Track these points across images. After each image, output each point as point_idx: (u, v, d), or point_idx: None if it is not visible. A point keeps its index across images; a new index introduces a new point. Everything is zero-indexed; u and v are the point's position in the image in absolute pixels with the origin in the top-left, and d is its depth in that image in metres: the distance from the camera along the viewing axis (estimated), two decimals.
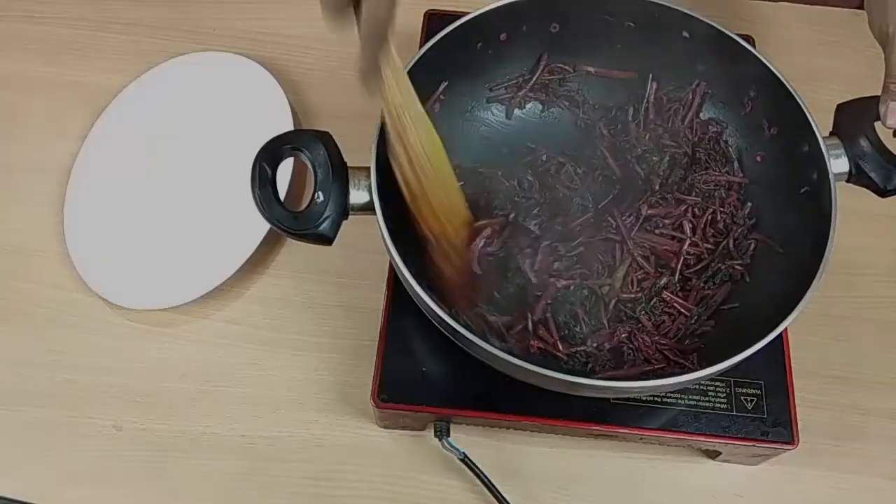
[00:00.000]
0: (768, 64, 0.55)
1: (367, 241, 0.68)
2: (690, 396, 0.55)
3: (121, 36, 0.78)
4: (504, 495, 0.56)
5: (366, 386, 0.62)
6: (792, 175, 0.55)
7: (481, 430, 0.61)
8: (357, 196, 0.49)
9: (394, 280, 0.58)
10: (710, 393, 0.55)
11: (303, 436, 0.61)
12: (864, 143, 0.52)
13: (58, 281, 0.67)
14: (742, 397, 0.55)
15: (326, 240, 0.48)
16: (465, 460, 0.57)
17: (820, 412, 0.62)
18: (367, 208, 0.49)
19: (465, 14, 0.57)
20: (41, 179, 0.71)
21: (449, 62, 0.58)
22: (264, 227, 0.65)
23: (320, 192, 0.48)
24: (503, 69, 0.63)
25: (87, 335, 0.65)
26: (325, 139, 0.49)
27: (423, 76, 0.53)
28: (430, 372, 0.56)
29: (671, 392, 0.55)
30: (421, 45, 0.57)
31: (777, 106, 0.56)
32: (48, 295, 0.67)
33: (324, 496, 0.60)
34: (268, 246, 0.67)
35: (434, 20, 0.68)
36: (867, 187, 0.53)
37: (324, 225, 0.48)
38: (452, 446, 0.57)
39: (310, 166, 0.49)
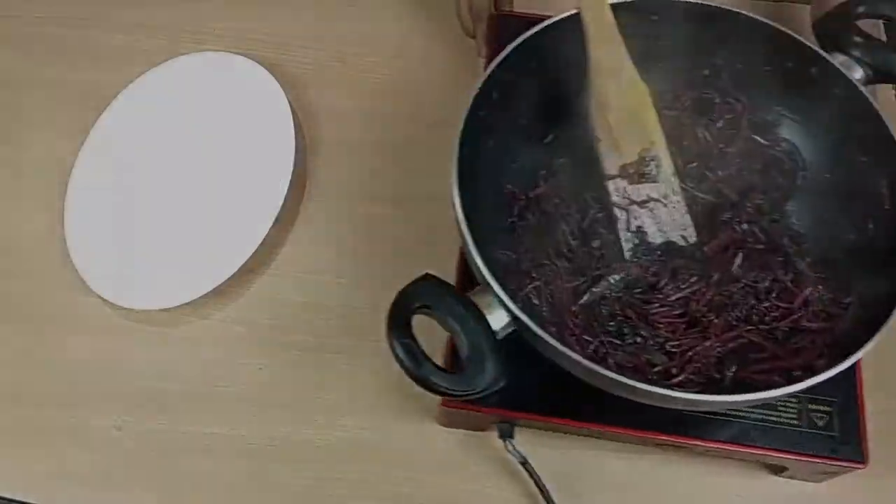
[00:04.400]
0: None
1: (367, 242, 0.68)
2: (760, 410, 0.54)
3: (120, 36, 0.78)
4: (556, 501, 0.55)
5: (370, 386, 0.62)
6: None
7: (535, 430, 0.59)
8: (497, 320, 0.46)
9: (461, 275, 0.56)
10: (780, 408, 0.54)
11: (305, 436, 0.61)
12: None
13: (57, 282, 0.67)
14: (813, 414, 0.54)
15: (500, 383, 0.45)
16: (525, 465, 0.55)
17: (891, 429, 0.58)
18: (513, 326, 0.46)
19: (537, 17, 0.57)
20: (41, 179, 0.71)
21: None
22: (265, 226, 0.65)
23: (465, 343, 0.44)
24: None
25: (87, 335, 0.65)
26: (440, 287, 0.46)
27: None
28: None
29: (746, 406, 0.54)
30: (488, 51, 0.59)
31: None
32: (48, 295, 0.67)
33: (327, 496, 0.59)
34: (268, 246, 0.66)
35: (502, 23, 0.67)
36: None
37: (489, 375, 0.44)
38: (515, 449, 0.55)
39: (447, 327, 0.46)
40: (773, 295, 0.55)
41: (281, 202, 0.65)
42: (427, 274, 0.46)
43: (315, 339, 0.64)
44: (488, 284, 0.46)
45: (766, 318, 0.54)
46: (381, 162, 0.71)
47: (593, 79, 0.54)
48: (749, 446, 0.54)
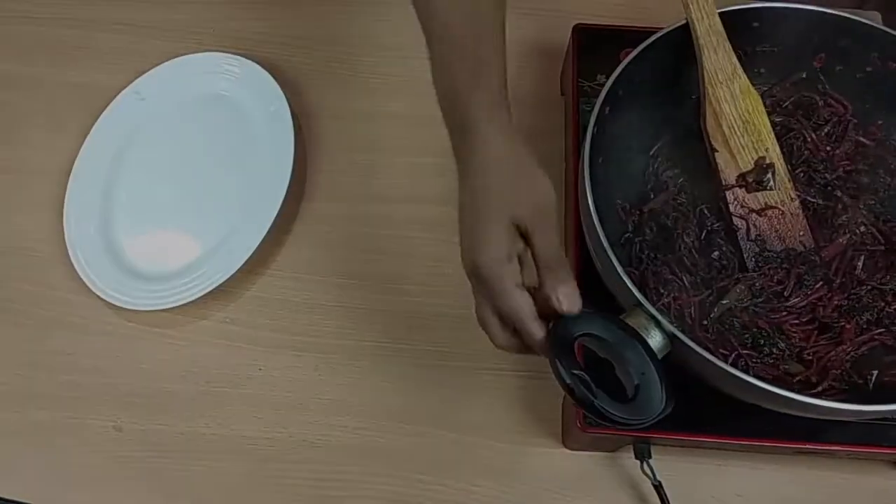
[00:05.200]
0: None
1: (366, 242, 0.68)
2: None
3: (120, 36, 0.78)
4: None
5: (368, 386, 0.62)
6: None
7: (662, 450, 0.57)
8: (656, 342, 0.45)
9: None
10: None
11: (303, 436, 0.61)
12: None
13: (58, 282, 0.67)
14: None
15: (669, 409, 0.44)
16: (659, 489, 0.55)
17: None
18: (669, 347, 0.46)
19: (614, 27, 0.61)
20: (41, 181, 0.71)
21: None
22: (264, 227, 0.65)
23: (639, 366, 0.43)
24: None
25: (87, 336, 0.65)
26: (599, 314, 0.44)
27: None
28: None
29: None
30: (568, 59, 0.60)
31: None
32: (48, 296, 0.67)
33: (327, 497, 0.59)
34: (268, 246, 0.66)
35: (582, 34, 0.67)
36: None
37: (660, 400, 0.43)
38: (652, 471, 0.55)
39: (614, 353, 0.44)
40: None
41: (280, 202, 0.65)
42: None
43: (314, 340, 0.64)
44: (640, 305, 0.45)
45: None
46: (381, 162, 0.71)
47: (707, 88, 0.55)
48: (892, 448, 0.53)
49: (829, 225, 0.57)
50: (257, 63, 0.72)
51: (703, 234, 0.57)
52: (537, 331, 0.44)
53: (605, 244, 0.48)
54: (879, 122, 0.60)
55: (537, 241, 0.44)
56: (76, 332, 0.65)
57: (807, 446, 0.53)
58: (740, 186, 0.56)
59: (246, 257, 0.64)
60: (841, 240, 0.56)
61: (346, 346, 0.64)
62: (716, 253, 0.56)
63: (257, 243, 0.65)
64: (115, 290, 0.65)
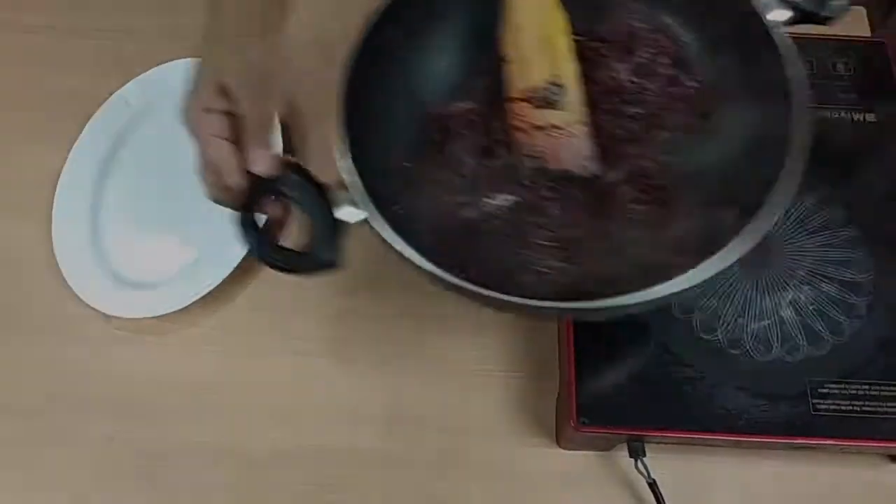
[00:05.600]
0: None
1: (359, 246, 0.68)
2: (889, 404, 0.54)
3: (106, 43, 0.78)
4: None
5: (360, 392, 0.62)
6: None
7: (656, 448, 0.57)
8: (345, 213, 0.49)
9: None
10: None
11: (297, 442, 0.61)
12: None
13: (47, 291, 0.66)
14: None
15: (332, 266, 0.49)
16: (654, 486, 0.55)
17: None
18: (359, 218, 0.49)
19: None
20: (28, 189, 0.71)
21: None
22: None
23: (318, 222, 0.48)
24: None
25: (76, 345, 0.65)
26: (294, 168, 0.50)
27: None
28: (627, 391, 0.55)
29: (869, 401, 0.55)
30: None
31: None
32: (36, 305, 0.66)
33: (321, 502, 0.59)
34: None
35: None
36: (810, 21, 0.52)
37: (324, 254, 0.48)
38: (646, 469, 0.55)
39: (294, 205, 0.50)
40: (645, 227, 0.54)
41: None
42: (288, 161, 0.50)
43: (306, 345, 0.64)
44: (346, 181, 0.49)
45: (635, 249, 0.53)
46: None
47: None
48: (885, 441, 0.54)
49: (618, 155, 0.56)
50: None
51: (488, 142, 0.57)
52: (235, 181, 0.49)
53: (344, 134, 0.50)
54: (705, 64, 0.57)
55: (242, 108, 0.49)
56: (65, 342, 0.65)
57: (799, 441, 0.54)
58: (526, 101, 0.54)
59: (235, 264, 0.64)
60: (619, 171, 0.56)
61: (338, 350, 0.64)
62: (497, 163, 0.56)
63: (247, 249, 0.64)
64: (104, 297, 0.65)
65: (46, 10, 0.80)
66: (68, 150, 0.71)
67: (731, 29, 0.54)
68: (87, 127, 0.72)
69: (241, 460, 0.60)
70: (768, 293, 0.58)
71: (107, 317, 0.64)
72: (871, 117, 0.65)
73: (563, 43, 0.54)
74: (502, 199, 0.55)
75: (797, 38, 0.61)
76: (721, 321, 0.57)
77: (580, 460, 0.60)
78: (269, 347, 0.64)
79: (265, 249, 0.48)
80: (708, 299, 0.58)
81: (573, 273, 0.52)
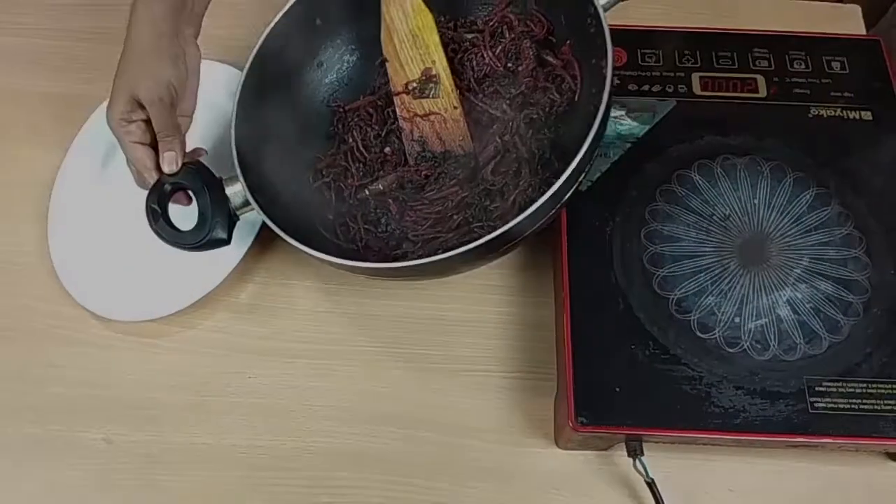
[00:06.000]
0: None
1: None
2: (887, 402, 0.55)
3: (101, 46, 0.77)
4: None
5: (355, 391, 0.62)
6: None
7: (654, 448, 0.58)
8: (236, 199, 0.59)
9: (570, 300, 0.58)
10: None
11: (295, 443, 0.61)
12: None
13: (45, 295, 0.66)
14: None
15: (223, 242, 0.59)
16: (652, 486, 0.55)
17: None
18: (247, 204, 0.58)
19: (642, 27, 0.67)
20: (24, 193, 0.71)
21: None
22: (251, 235, 0.65)
23: (205, 207, 0.58)
24: None
25: (74, 348, 0.65)
26: (197, 167, 0.60)
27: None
28: (625, 390, 0.55)
29: (866, 399, 0.55)
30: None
31: None
32: (35, 309, 0.66)
33: None
34: (255, 253, 0.66)
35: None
36: None
37: (216, 231, 0.58)
38: (644, 468, 0.55)
39: (191, 194, 0.59)
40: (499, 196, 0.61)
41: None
42: (185, 163, 0.59)
43: (304, 346, 0.64)
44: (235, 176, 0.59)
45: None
46: None
47: (383, 6, 0.62)
48: (882, 438, 0.54)
49: (489, 133, 0.63)
50: (240, 71, 0.72)
51: (384, 132, 0.66)
52: (149, 178, 0.58)
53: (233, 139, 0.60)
54: (569, 42, 0.62)
55: (152, 116, 0.57)
56: (64, 345, 0.65)
57: (798, 439, 0.54)
58: (406, 93, 0.64)
59: (233, 266, 0.64)
60: (490, 147, 0.62)
61: (335, 351, 0.64)
62: (388, 148, 0.66)
63: (244, 252, 0.64)
64: (102, 301, 0.65)
65: (44, 13, 0.80)
66: (65, 152, 0.71)
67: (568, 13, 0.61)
68: (82, 129, 0.72)
69: (239, 461, 0.60)
70: (765, 292, 0.58)
71: (105, 320, 0.64)
72: (866, 115, 0.65)
73: (431, 39, 0.62)
74: (389, 178, 0.64)
75: (794, 37, 0.64)
76: (718, 320, 0.57)
77: (578, 460, 0.60)
78: (266, 349, 0.64)
79: (166, 230, 0.58)
80: (705, 298, 0.58)
81: (441, 240, 0.61)
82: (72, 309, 0.65)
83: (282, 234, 0.56)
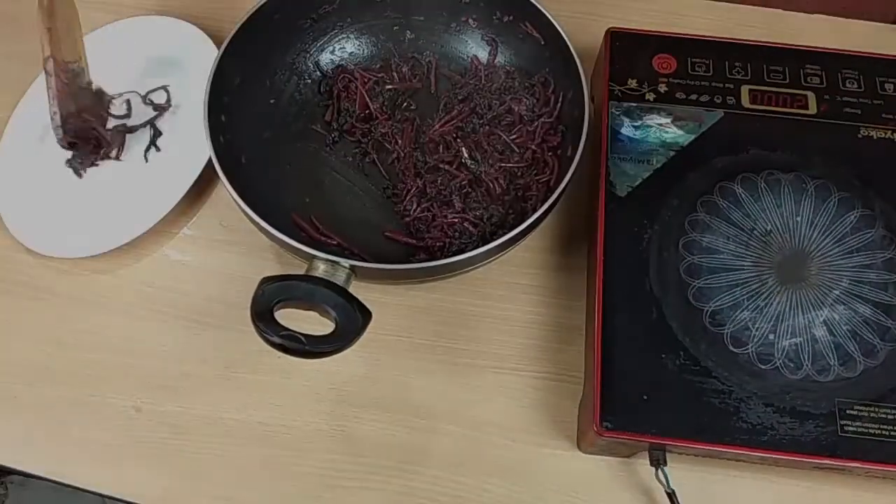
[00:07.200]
0: None
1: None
2: None
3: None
4: None
5: (385, 381, 0.63)
6: None
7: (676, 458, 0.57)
8: (341, 277, 0.55)
9: (603, 305, 0.58)
10: None
11: (318, 426, 0.62)
12: None
13: (81, 262, 0.68)
14: None
15: (369, 319, 0.56)
16: (672, 497, 0.55)
17: None
18: (353, 274, 0.56)
19: (647, 33, 0.68)
20: None
21: None
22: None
23: (329, 311, 0.53)
24: None
25: (110, 316, 0.66)
26: (285, 279, 0.54)
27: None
28: (652, 399, 0.55)
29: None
30: (603, 63, 0.67)
31: None
32: (74, 275, 0.68)
33: (337, 487, 0.60)
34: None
35: (616, 39, 0.68)
36: None
37: (355, 321, 0.54)
38: (666, 478, 0.55)
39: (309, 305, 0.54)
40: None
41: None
42: (264, 277, 0.53)
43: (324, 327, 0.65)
44: (316, 257, 0.55)
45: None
46: None
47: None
48: None
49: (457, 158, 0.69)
50: (188, 22, 0.74)
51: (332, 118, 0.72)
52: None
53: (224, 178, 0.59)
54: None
55: None
56: (101, 312, 0.66)
57: (825, 461, 0.53)
58: (63, 71, 0.68)
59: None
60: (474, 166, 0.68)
61: (366, 338, 0.63)
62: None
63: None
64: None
65: None
66: (10, 115, 0.72)
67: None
68: (30, 89, 0.73)
69: (263, 438, 0.61)
70: (802, 311, 0.57)
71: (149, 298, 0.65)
72: None
73: (79, 35, 0.69)
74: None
75: (848, 55, 0.63)
76: (752, 336, 0.57)
77: (600, 465, 0.60)
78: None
79: (313, 344, 0.52)
80: (740, 312, 0.57)
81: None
82: (111, 277, 0.66)
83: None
